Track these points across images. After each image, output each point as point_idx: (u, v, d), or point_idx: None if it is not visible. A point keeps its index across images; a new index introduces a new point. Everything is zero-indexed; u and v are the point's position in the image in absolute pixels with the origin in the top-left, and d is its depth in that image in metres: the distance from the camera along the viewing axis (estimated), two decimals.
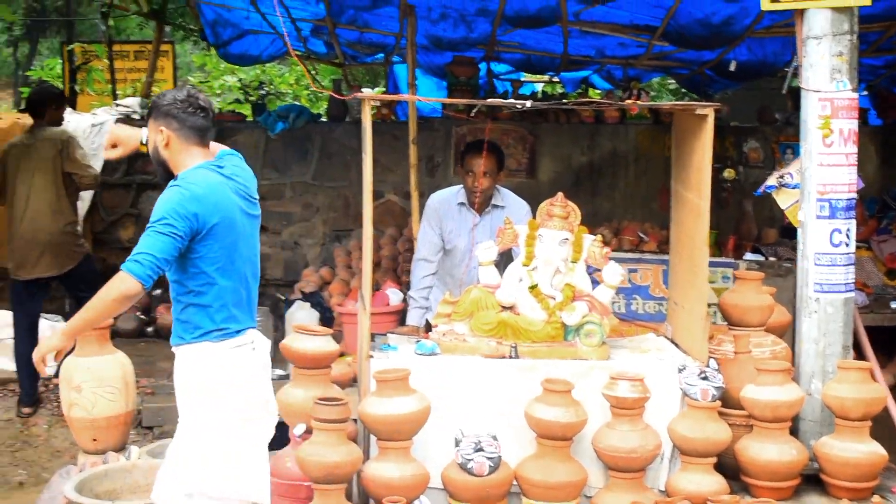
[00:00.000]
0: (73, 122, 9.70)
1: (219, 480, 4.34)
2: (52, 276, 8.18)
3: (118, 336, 9.35)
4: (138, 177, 10.47)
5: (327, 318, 8.73)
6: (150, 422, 7.57)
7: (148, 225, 4.19)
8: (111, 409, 5.57)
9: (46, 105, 8.40)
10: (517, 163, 10.26)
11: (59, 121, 8.49)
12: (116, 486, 5.12)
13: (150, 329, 10.13)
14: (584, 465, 5.07)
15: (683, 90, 13.11)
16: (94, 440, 5.60)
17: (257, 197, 4.68)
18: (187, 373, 4.40)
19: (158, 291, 10.43)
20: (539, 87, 13.11)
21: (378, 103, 10.44)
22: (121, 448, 5.69)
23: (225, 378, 4.34)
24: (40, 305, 8.38)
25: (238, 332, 4.44)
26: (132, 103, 10.60)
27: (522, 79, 12.34)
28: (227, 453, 4.34)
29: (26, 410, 7.75)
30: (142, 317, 10.19)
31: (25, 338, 7.85)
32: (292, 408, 5.22)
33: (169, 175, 4.42)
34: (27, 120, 10.53)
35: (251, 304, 4.60)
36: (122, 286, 4.06)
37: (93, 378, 5.56)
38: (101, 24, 12.56)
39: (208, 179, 4.33)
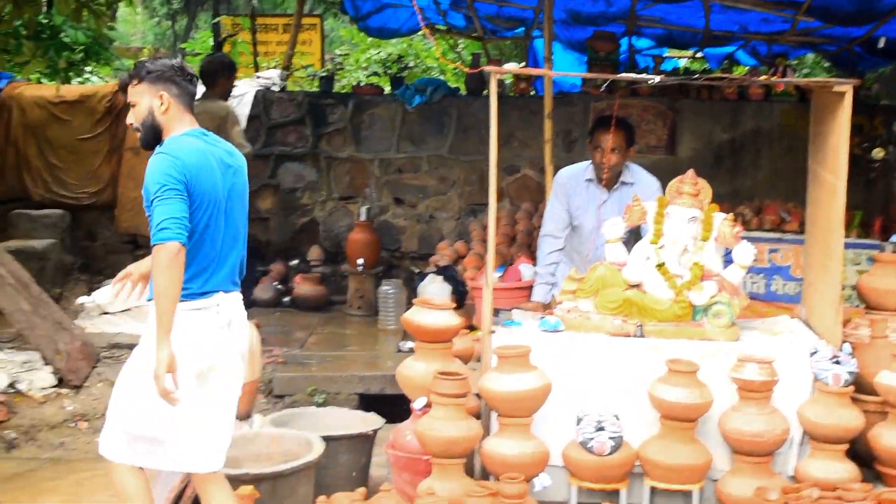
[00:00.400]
0: None
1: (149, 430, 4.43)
2: None
3: (255, 305, 9.57)
4: (277, 148, 10.62)
5: (460, 292, 8.73)
6: (282, 391, 7.70)
7: (152, 198, 4.24)
8: None
9: (217, 74, 8.55)
10: (657, 139, 10.08)
11: (228, 91, 8.61)
12: (239, 453, 5.20)
13: (286, 299, 10.28)
14: (710, 448, 4.98)
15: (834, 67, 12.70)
16: None
17: (239, 165, 4.68)
18: (149, 325, 4.44)
19: (296, 261, 10.63)
20: (682, 63, 12.86)
21: (509, 77, 10.36)
22: (246, 416, 5.79)
23: (178, 338, 4.28)
24: None
25: (203, 294, 4.45)
26: (272, 75, 10.76)
27: (665, 54, 12.11)
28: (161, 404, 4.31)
29: None
30: (279, 287, 10.35)
31: None
32: (413, 381, 5.25)
33: (157, 141, 4.47)
34: None
35: (226, 268, 4.56)
36: (164, 255, 4.16)
37: None
38: None
39: (193, 146, 4.40)
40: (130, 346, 8.47)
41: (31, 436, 6.96)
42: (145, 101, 4.46)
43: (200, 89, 8.37)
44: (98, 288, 10.19)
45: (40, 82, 11.82)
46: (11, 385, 7.39)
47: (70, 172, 10.92)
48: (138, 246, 11.04)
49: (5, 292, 7.60)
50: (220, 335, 4.50)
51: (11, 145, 10.90)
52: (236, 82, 9.75)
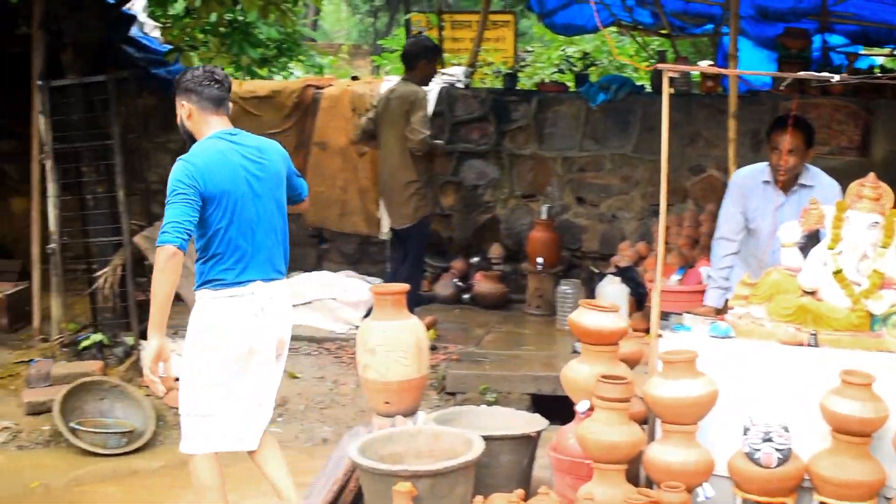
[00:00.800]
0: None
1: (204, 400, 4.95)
2: (396, 229, 8.62)
3: (435, 301, 9.66)
4: (460, 145, 10.68)
5: (639, 294, 8.63)
6: (454, 388, 7.76)
7: (166, 199, 4.72)
8: (403, 373, 5.71)
9: (417, 58, 8.64)
10: (848, 140, 9.67)
11: (429, 75, 8.69)
12: (400, 449, 5.25)
13: (466, 296, 10.34)
14: (884, 465, 4.76)
15: None
16: (387, 403, 5.76)
17: (270, 159, 5.11)
18: (192, 314, 5.00)
19: (477, 259, 10.67)
20: (878, 62, 12.34)
21: (696, 76, 10.13)
22: (412, 412, 5.84)
23: (214, 322, 4.88)
24: (400, 256, 8.89)
25: (238, 283, 4.91)
26: (457, 72, 10.83)
27: (859, 52, 11.64)
28: (209, 378, 4.93)
29: None
30: (459, 283, 10.42)
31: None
32: (577, 383, 5.20)
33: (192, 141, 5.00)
34: (356, 87, 11.02)
35: (261, 258, 5.00)
36: (161, 257, 4.64)
37: (387, 342, 5.71)
38: None
39: (213, 148, 4.87)
40: (309, 339, 8.77)
41: None
42: (178, 112, 5.02)
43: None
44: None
45: (235, 78, 12.21)
46: None
47: None
48: (324, 240, 11.29)
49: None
50: (253, 321, 4.95)
51: None
52: None
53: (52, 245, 7.93)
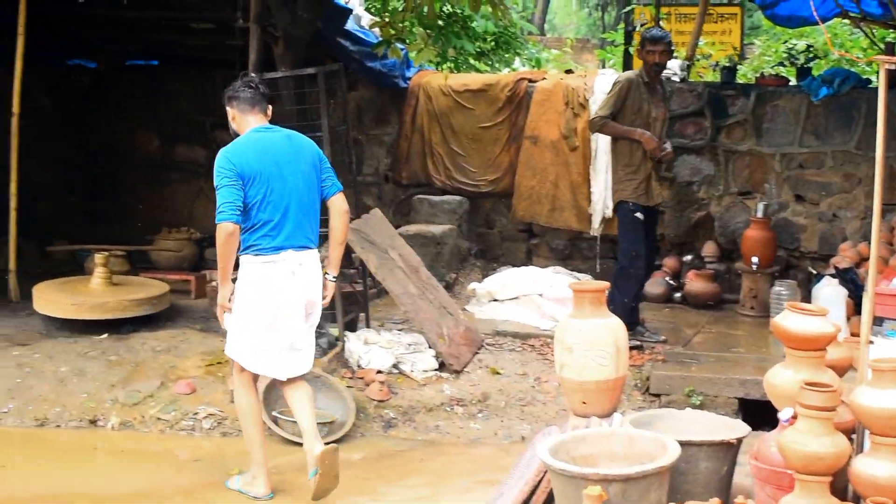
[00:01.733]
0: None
1: (243, 349, 6.09)
2: None
3: (645, 300, 9.52)
4: (675, 140, 10.40)
5: (859, 297, 8.27)
6: (658, 389, 7.63)
7: (216, 183, 5.83)
8: (600, 373, 5.63)
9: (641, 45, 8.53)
10: None
11: (649, 64, 8.41)
12: (593, 451, 5.17)
13: (677, 295, 10.18)
14: None
15: None
16: (583, 403, 5.69)
17: (301, 146, 6.23)
18: (238, 272, 6.05)
19: (689, 257, 10.47)
20: None
21: None
22: (609, 413, 5.75)
23: (252, 281, 5.97)
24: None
25: (273, 250, 5.95)
26: (673, 65, 10.61)
27: None
28: (248, 326, 6.02)
29: None
30: (670, 282, 10.25)
31: None
32: (779, 389, 5.03)
33: None
34: (569, 80, 10.97)
35: (292, 229, 6.00)
36: (222, 234, 5.76)
37: (584, 340, 5.64)
38: None
39: (248, 139, 6.04)
40: (515, 335, 8.78)
41: (409, 417, 7.28)
42: (228, 118, 6.21)
43: None
44: (491, 275, 10.52)
45: (452, 71, 12.35)
46: (395, 366, 7.77)
47: (471, 160, 11.30)
48: (533, 234, 11.29)
49: (395, 276, 8.00)
50: (284, 283, 5.97)
51: (417, 132, 11.43)
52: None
53: None
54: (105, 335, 8.59)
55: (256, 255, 5.96)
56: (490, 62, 14.58)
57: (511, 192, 11.21)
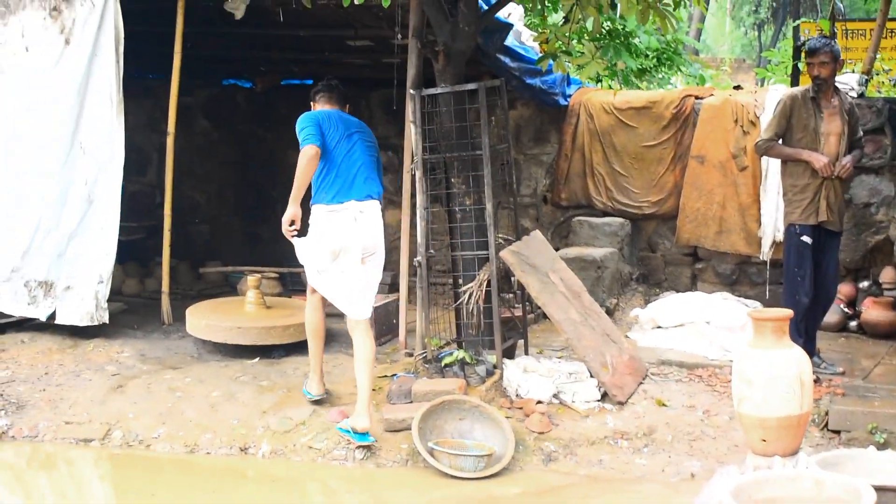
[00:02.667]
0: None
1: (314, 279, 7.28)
2: None
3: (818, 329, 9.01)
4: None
5: None
6: (838, 425, 7.11)
7: (299, 125, 7.09)
8: (783, 408, 5.26)
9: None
10: None
11: (812, 77, 8.03)
12: (778, 495, 4.79)
13: (853, 323, 9.65)
14: None
15: None
16: (763, 441, 5.33)
17: (364, 128, 7.47)
18: (310, 219, 7.19)
19: (866, 283, 9.94)
20: None
21: None
22: (792, 453, 5.36)
23: (319, 226, 7.13)
24: None
25: (338, 202, 7.10)
26: (850, 80, 10.10)
27: None
28: (314, 264, 7.20)
29: None
30: (846, 310, 9.72)
31: None
32: None
33: None
34: (739, 97, 10.55)
35: (355, 186, 7.15)
36: (302, 157, 6.95)
37: (766, 373, 5.28)
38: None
39: (321, 111, 7.35)
40: (681, 364, 8.40)
41: (571, 450, 6.94)
42: None
43: None
44: (654, 301, 10.15)
45: (611, 87, 12.04)
46: (555, 396, 7.46)
47: (633, 181, 10.96)
48: (698, 258, 10.88)
49: (555, 300, 7.71)
50: (348, 227, 7.07)
51: (578, 151, 11.15)
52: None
53: (419, 258, 7.97)
54: (257, 359, 8.52)
55: (323, 205, 7.14)
56: (651, 79, 14.20)
57: (675, 214, 10.82)
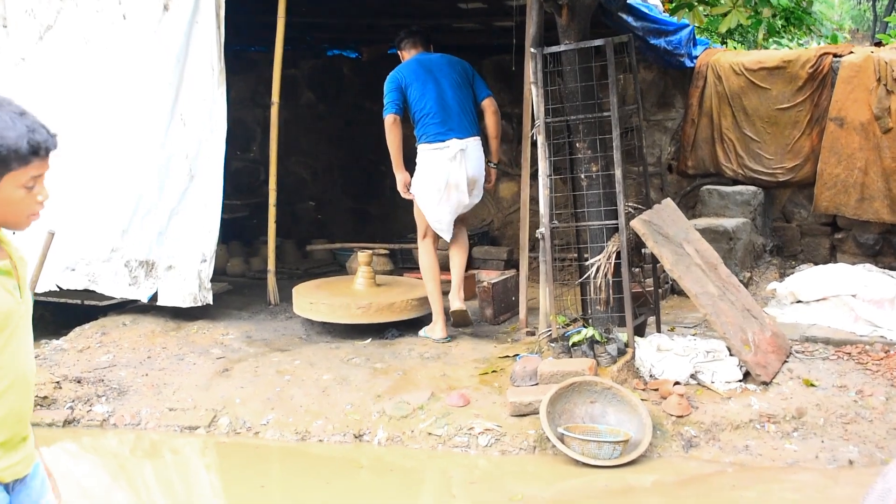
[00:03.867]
0: None
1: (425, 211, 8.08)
2: None
3: None
4: None
5: None
6: None
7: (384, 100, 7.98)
8: None
9: None
10: None
11: None
12: None
13: None
14: None
15: None
16: None
17: (454, 61, 8.19)
18: (417, 160, 8.07)
19: None
20: None
21: None
22: None
23: (427, 165, 7.96)
24: None
25: (439, 140, 7.93)
26: None
27: None
28: (425, 199, 8.02)
29: None
30: None
31: None
32: None
33: None
34: (882, 54, 9.91)
35: (454, 124, 7.94)
36: (385, 126, 7.95)
37: None
38: None
39: (408, 61, 8.17)
40: (827, 341, 7.84)
41: (713, 435, 6.44)
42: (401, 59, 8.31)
43: None
44: (791, 273, 9.60)
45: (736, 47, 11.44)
46: (693, 376, 6.97)
47: (766, 146, 10.41)
48: (837, 228, 10.29)
49: (691, 273, 7.20)
50: (450, 164, 7.91)
51: (705, 116, 10.63)
52: None
53: (541, 230, 7.52)
54: (369, 340, 8.18)
55: (428, 143, 7.97)
56: (779, 41, 13.54)
57: (812, 180, 10.26)
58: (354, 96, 12.71)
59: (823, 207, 10.16)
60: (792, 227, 10.58)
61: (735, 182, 10.53)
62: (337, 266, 11.38)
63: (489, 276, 9.33)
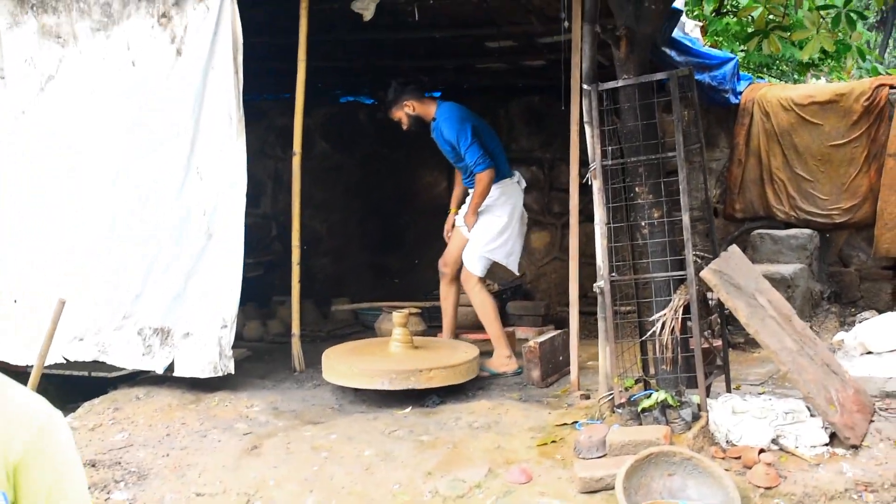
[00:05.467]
0: None
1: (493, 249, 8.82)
2: None
3: None
4: None
5: None
6: None
7: (462, 146, 8.50)
8: None
9: None
10: None
11: None
12: None
13: None
14: None
15: None
16: None
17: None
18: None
19: None
20: None
21: None
22: None
23: (509, 198, 8.83)
24: None
25: (511, 174, 8.89)
26: None
27: None
28: (506, 233, 8.83)
29: None
30: None
31: None
32: None
33: (425, 124, 8.93)
34: None
35: (503, 164, 8.81)
36: (485, 179, 8.48)
37: None
38: None
39: (456, 106, 8.74)
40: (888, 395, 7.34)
41: None
42: (404, 112, 8.88)
43: None
44: (852, 322, 9.15)
45: (784, 80, 11.05)
46: (774, 440, 6.45)
47: (820, 186, 10.01)
48: None
49: (767, 326, 6.70)
50: (516, 199, 8.87)
51: (753, 156, 10.22)
52: None
53: (600, 283, 7.02)
54: (409, 409, 7.67)
55: (505, 178, 8.78)
56: (817, 73, 13.14)
57: (871, 221, 9.90)
58: (371, 144, 12.28)
59: (885, 250, 9.76)
60: (850, 271, 10.15)
61: (787, 225, 10.13)
62: (360, 327, 10.90)
63: (528, 334, 8.91)
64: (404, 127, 8.92)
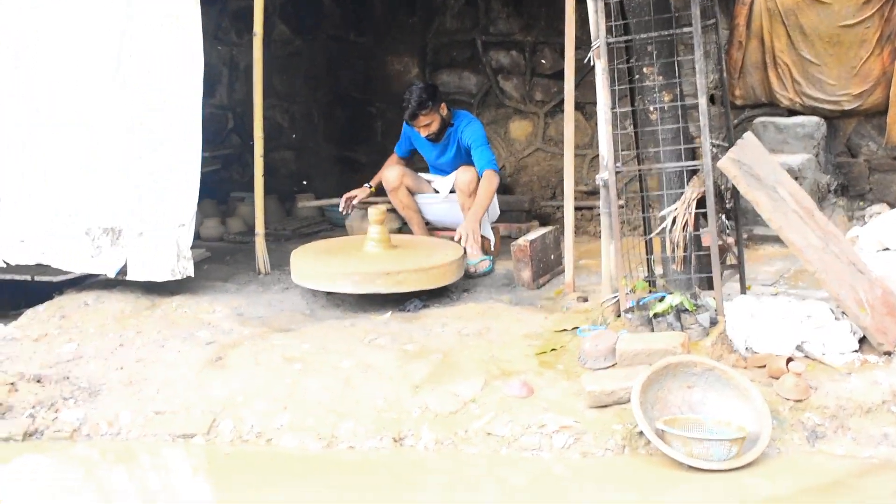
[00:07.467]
0: None
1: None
2: None
3: None
4: None
5: None
6: None
7: (480, 145, 8.56)
8: None
9: None
10: None
11: None
12: None
13: None
14: None
15: None
16: None
17: None
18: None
19: None
20: None
21: None
22: None
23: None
24: None
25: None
26: None
27: None
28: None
29: None
30: None
31: None
32: None
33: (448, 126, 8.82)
34: None
35: None
36: (496, 181, 8.42)
37: None
38: None
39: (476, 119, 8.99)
40: None
41: (841, 422, 5.42)
42: (440, 114, 8.67)
43: None
44: (862, 216, 8.77)
45: None
46: (799, 347, 5.97)
47: (828, 69, 9.49)
48: None
49: (790, 222, 6.19)
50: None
51: (755, 38, 9.67)
52: None
53: (603, 175, 6.44)
54: (388, 314, 7.16)
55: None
56: None
57: (883, 108, 9.40)
58: (336, 27, 11.59)
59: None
60: (859, 162, 9.70)
61: (791, 112, 9.65)
62: (328, 225, 10.37)
63: (513, 230, 8.56)
64: (434, 131, 8.67)
